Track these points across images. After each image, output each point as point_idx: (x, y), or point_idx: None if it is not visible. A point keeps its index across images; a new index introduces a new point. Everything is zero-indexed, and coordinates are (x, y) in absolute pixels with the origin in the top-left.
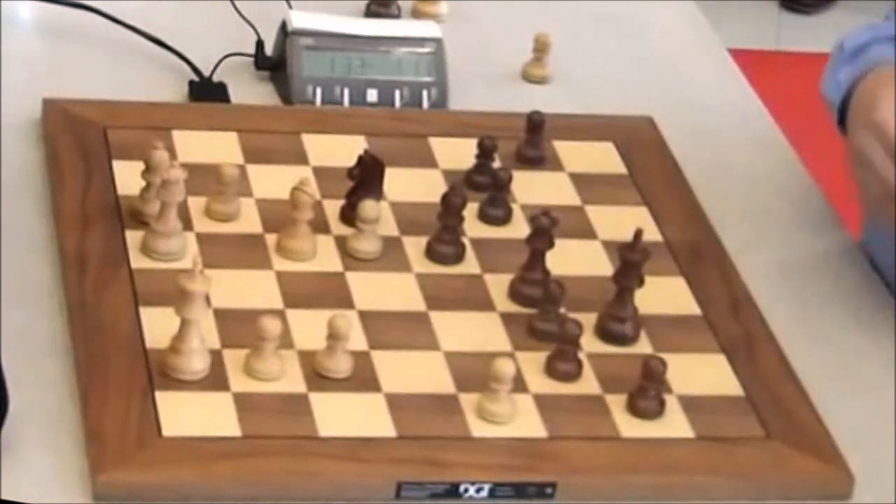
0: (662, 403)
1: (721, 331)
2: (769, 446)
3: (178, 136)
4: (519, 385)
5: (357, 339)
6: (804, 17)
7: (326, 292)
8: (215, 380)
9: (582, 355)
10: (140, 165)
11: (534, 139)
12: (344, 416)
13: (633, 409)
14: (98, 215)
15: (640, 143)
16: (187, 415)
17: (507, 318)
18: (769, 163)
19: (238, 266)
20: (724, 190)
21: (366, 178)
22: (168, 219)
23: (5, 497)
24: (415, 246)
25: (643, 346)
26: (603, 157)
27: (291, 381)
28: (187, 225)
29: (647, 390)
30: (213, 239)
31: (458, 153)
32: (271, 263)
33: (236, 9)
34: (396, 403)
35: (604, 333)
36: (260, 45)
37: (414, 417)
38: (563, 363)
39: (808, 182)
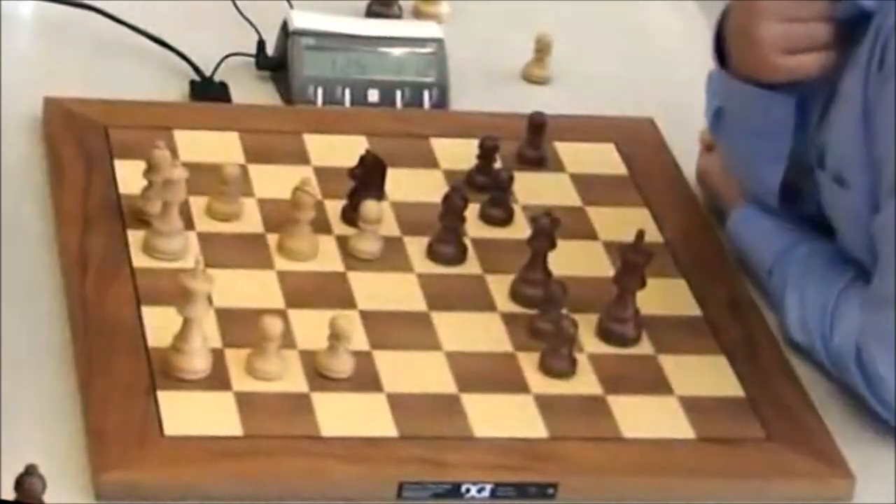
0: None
1: (722, 332)
2: (770, 447)
3: (179, 135)
4: (519, 385)
5: (359, 339)
6: None
7: (328, 292)
8: (217, 379)
9: (581, 355)
10: (141, 165)
11: (535, 140)
12: (345, 416)
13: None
14: (99, 214)
15: (641, 144)
16: (189, 414)
17: (508, 319)
18: None
19: (240, 266)
20: None
21: (367, 178)
22: (170, 218)
23: (5, 497)
24: (416, 246)
25: (644, 347)
26: (604, 158)
27: (293, 380)
28: (189, 224)
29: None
30: (214, 238)
31: (460, 153)
32: (273, 263)
33: (237, 8)
34: (398, 403)
35: (605, 334)
36: (261, 44)
37: (415, 417)
38: (556, 360)
39: None
